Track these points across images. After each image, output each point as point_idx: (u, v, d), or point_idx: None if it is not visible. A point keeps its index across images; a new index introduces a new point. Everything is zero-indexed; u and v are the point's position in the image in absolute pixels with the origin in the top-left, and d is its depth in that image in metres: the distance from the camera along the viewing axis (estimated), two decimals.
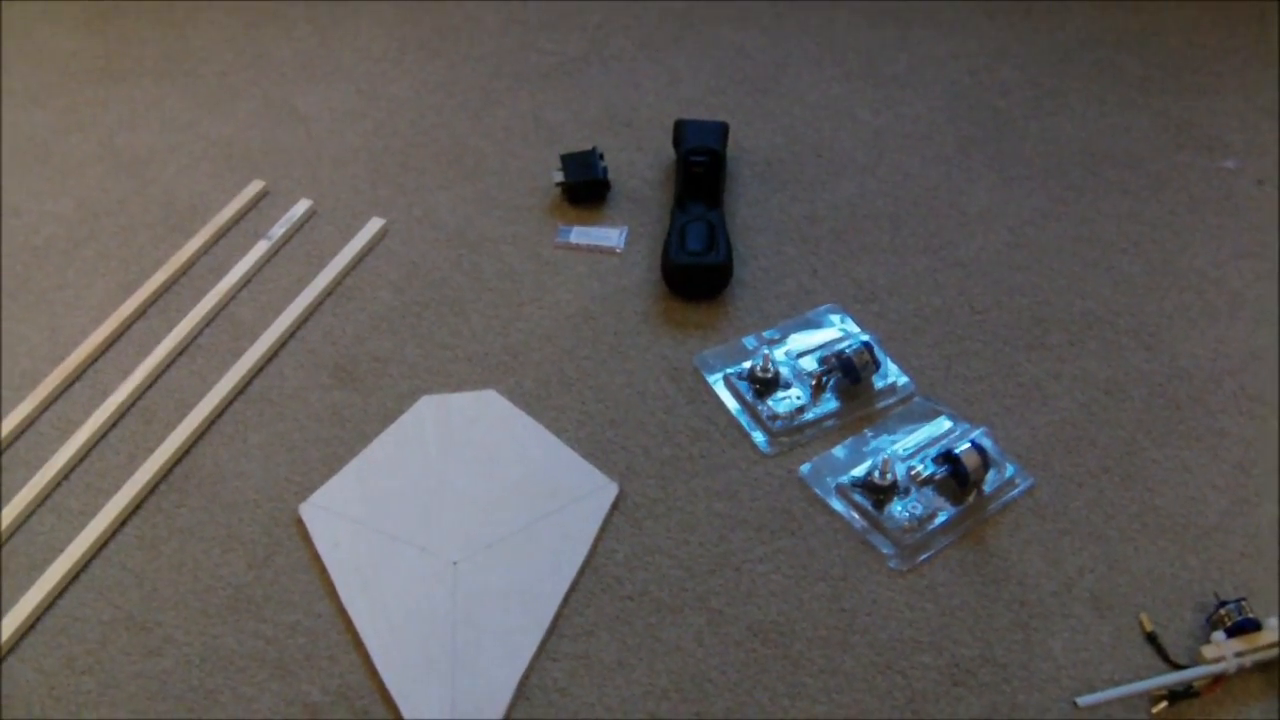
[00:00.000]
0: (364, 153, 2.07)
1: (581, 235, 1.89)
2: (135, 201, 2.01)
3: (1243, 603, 1.42)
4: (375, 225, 1.91)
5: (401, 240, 1.91)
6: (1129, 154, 2.03)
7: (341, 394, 1.70)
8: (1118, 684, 1.40)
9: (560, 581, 1.49)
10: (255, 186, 2.00)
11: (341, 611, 1.48)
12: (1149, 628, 1.44)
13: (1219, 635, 1.40)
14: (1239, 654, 1.38)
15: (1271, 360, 1.72)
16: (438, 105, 2.16)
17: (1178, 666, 1.41)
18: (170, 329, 1.78)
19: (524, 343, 1.76)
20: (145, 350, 1.76)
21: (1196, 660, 1.40)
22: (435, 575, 1.50)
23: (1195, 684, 1.38)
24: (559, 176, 1.94)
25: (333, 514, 1.56)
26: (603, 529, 1.55)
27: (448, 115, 2.14)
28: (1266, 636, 1.40)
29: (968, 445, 1.54)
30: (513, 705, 1.40)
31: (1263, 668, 1.41)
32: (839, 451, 1.61)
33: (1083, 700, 1.37)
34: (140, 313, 1.82)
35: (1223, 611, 1.42)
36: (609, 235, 1.89)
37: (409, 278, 1.85)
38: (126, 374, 1.73)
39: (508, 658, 1.43)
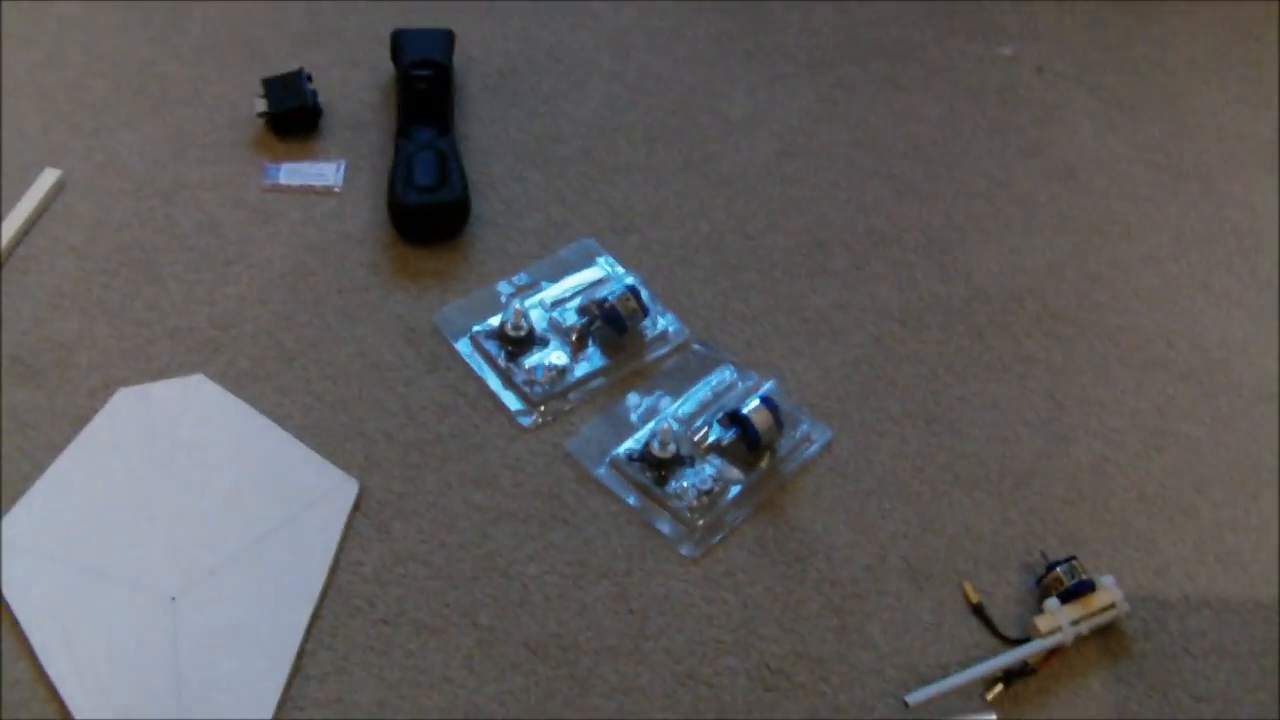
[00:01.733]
0: (29, 87, 1.76)
1: (292, 174, 1.64)
2: None
3: (1074, 563, 1.30)
4: (50, 178, 1.62)
5: (81, 194, 1.62)
6: (899, 43, 1.85)
7: (22, 393, 1.42)
8: (946, 669, 1.26)
9: (300, 610, 1.27)
10: None
11: (42, 676, 1.22)
12: (975, 598, 1.31)
13: (1052, 603, 1.28)
14: (1074, 622, 1.27)
15: (1071, 272, 1.57)
16: (115, 24, 1.86)
17: (1009, 641, 1.27)
18: None
19: (234, 311, 1.50)
20: None
21: (1029, 632, 1.28)
22: (151, 616, 1.25)
23: (1031, 660, 1.26)
24: (261, 105, 1.68)
25: (18, 550, 1.29)
26: (344, 538, 1.32)
27: (129, 36, 1.84)
28: (1102, 598, 1.28)
29: (756, 402, 1.35)
30: None
31: (1100, 632, 1.29)
32: (609, 418, 1.41)
33: (911, 698, 1.22)
34: None
35: (1053, 575, 1.29)
36: (324, 171, 1.65)
37: (93, 240, 1.57)
38: None
39: (248, 711, 1.20)
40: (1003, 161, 1.71)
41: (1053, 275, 1.58)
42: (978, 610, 1.29)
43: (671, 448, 1.35)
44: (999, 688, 1.24)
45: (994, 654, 1.25)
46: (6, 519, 1.31)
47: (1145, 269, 1.61)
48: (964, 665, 1.25)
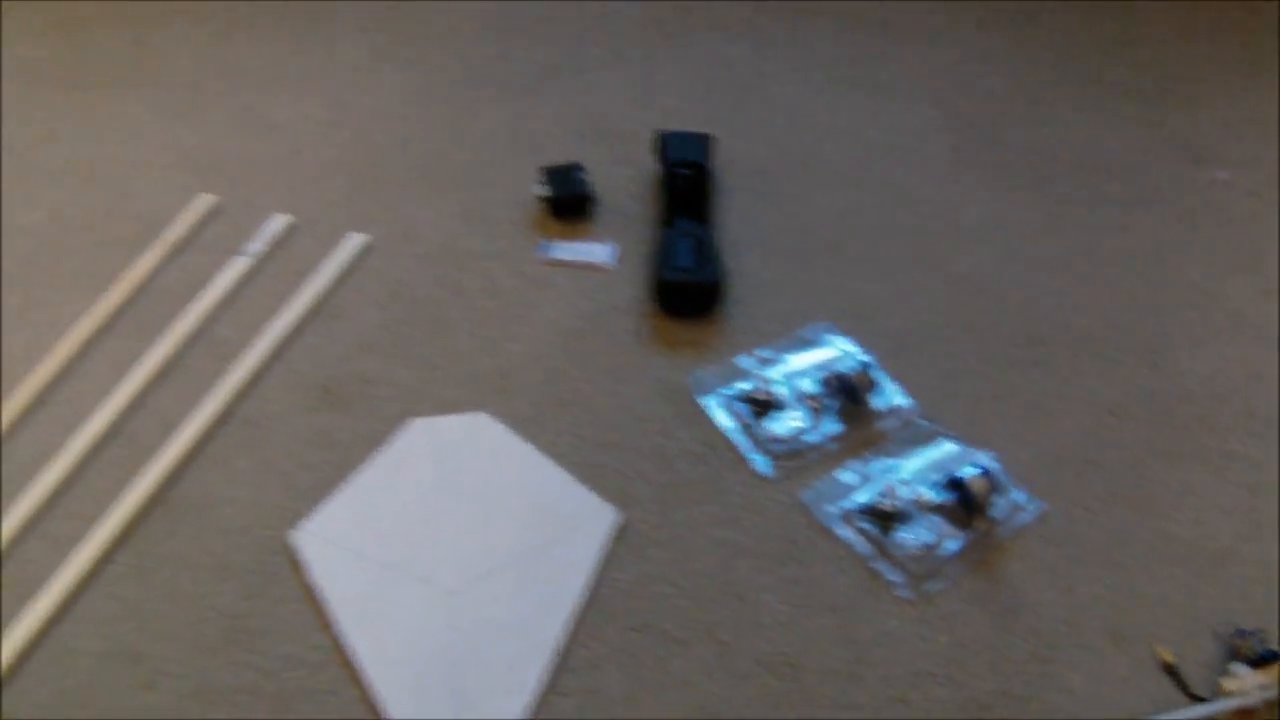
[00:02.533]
0: (341, 165, 2.02)
1: (567, 251, 1.85)
2: (108, 215, 1.95)
3: (1263, 634, 1.39)
4: (357, 241, 1.86)
5: (383, 257, 1.86)
6: (1120, 165, 2.00)
7: (329, 416, 1.65)
8: (1138, 718, 1.36)
9: (562, 612, 1.45)
10: (205, 201, 1.94)
11: (339, 644, 1.42)
12: (1168, 659, 1.41)
13: (1239, 667, 1.37)
14: (1262, 686, 1.35)
15: (1273, 380, 1.69)
16: (415, 116, 2.10)
17: (1199, 699, 1.37)
18: (148, 348, 1.72)
19: (514, 363, 1.70)
20: (124, 371, 1.70)
21: (1218, 693, 1.36)
22: (434, 606, 1.45)
23: (1218, 718, 1.35)
24: (542, 190, 1.89)
25: (325, 542, 1.51)
26: (604, 557, 1.50)
27: (425, 126, 2.08)
28: None
29: (974, 470, 1.50)
30: None
31: None
32: (842, 476, 1.57)
33: None
34: (112, 330, 1.76)
35: (1242, 642, 1.39)
36: (596, 251, 1.85)
37: (393, 295, 1.80)
38: (106, 395, 1.66)
39: (512, 692, 1.38)
40: (1213, 275, 1.83)
41: (1256, 381, 1.69)
42: (1169, 670, 1.40)
43: (897, 503, 1.51)
44: None
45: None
46: (315, 516, 1.53)
47: None
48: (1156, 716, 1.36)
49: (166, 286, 1.82)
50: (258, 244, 1.86)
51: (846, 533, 1.51)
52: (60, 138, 2.09)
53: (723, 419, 1.63)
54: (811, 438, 1.61)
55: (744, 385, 1.65)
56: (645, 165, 1.99)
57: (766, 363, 1.69)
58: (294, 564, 1.50)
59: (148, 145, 2.07)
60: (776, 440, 1.60)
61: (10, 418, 1.64)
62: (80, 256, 1.87)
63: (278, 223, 1.89)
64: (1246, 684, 1.36)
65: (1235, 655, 1.39)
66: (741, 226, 1.89)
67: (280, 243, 1.88)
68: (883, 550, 1.49)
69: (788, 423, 1.62)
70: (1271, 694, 1.35)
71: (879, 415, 1.64)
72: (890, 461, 1.58)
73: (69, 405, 1.66)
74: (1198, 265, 1.85)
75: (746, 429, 1.62)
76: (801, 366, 1.69)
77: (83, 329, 1.75)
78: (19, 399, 1.66)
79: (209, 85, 2.19)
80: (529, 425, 1.63)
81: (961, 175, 1.98)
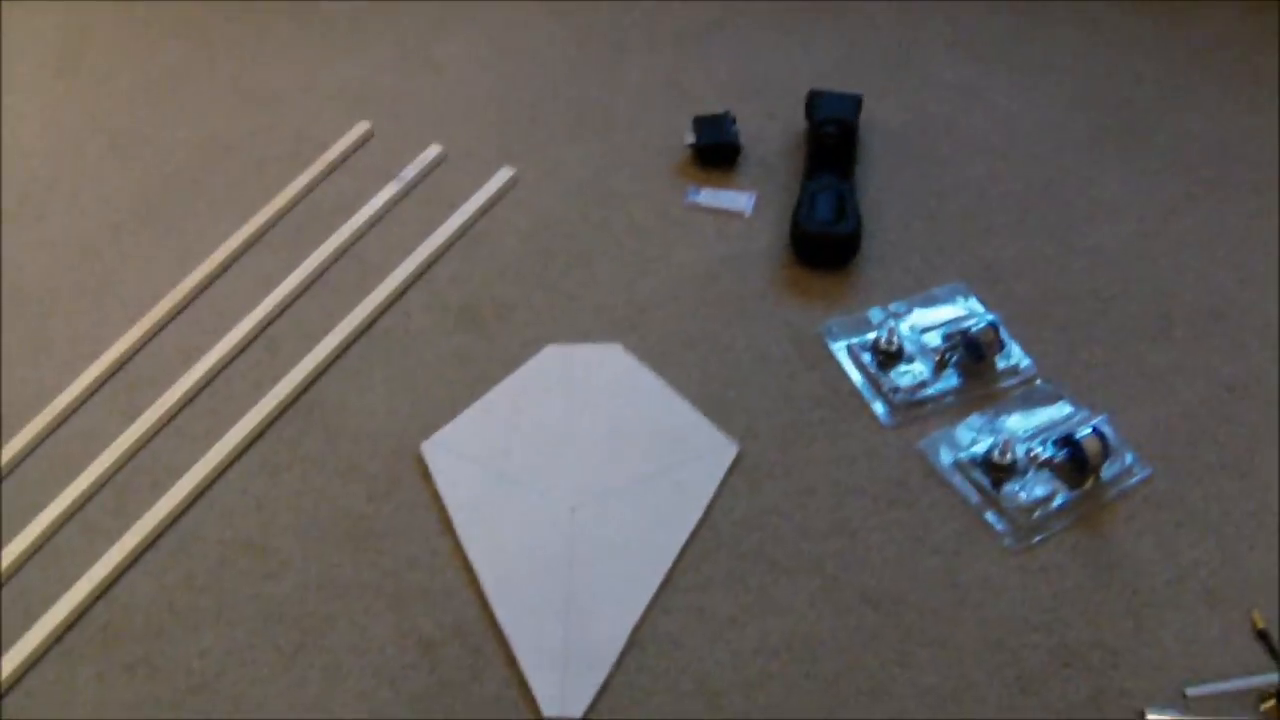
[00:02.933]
0: (495, 103, 2.09)
1: (711, 197, 1.91)
2: (265, 137, 2.04)
3: None
4: (505, 174, 1.94)
5: (530, 190, 1.93)
6: (1260, 154, 2.01)
7: (466, 337, 1.73)
8: (1227, 678, 1.40)
9: (677, 535, 1.51)
10: (361, 127, 2.03)
11: (459, 549, 1.51)
12: (1260, 624, 1.44)
13: None
14: None
15: None
16: (570, 61, 2.18)
17: None
18: (298, 262, 1.81)
19: (649, 299, 1.77)
20: (272, 282, 1.79)
21: None
22: (553, 520, 1.52)
23: None
24: (691, 138, 1.96)
25: (454, 453, 1.58)
26: (720, 487, 1.56)
27: (580, 72, 2.16)
28: None
29: (1089, 431, 1.54)
30: (625, 652, 1.42)
31: None
32: (958, 428, 1.62)
33: (1191, 690, 1.38)
34: (265, 246, 1.85)
35: None
36: (738, 199, 1.91)
37: (537, 227, 1.87)
38: (254, 303, 1.75)
39: (622, 605, 1.45)
40: None
41: None
42: (1262, 635, 1.43)
43: (1009, 457, 1.56)
44: (1272, 702, 1.37)
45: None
46: (445, 428, 1.62)
47: None
48: (1243, 678, 1.40)
49: (318, 206, 1.92)
50: (410, 170, 1.94)
51: (959, 482, 1.56)
52: (222, 62, 2.19)
53: (848, 366, 1.69)
54: (933, 390, 1.66)
55: (871, 335, 1.70)
56: (793, 122, 2.05)
57: (896, 316, 1.74)
58: (421, 472, 1.58)
59: (308, 74, 2.16)
60: (898, 390, 1.65)
61: (160, 318, 1.73)
62: (236, 173, 1.97)
63: (429, 153, 1.97)
64: None
65: None
66: (882, 186, 1.94)
67: (430, 171, 1.97)
68: (992, 501, 1.54)
69: (911, 374, 1.67)
70: None
71: (1001, 374, 1.68)
72: (1007, 418, 1.63)
73: (217, 312, 1.77)
74: None
75: (870, 377, 1.67)
76: (929, 322, 1.74)
77: (235, 241, 1.84)
78: (169, 302, 1.75)
79: (371, 21, 2.27)
80: (659, 359, 1.70)
81: (1100, 153, 2.01)
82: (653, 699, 1.39)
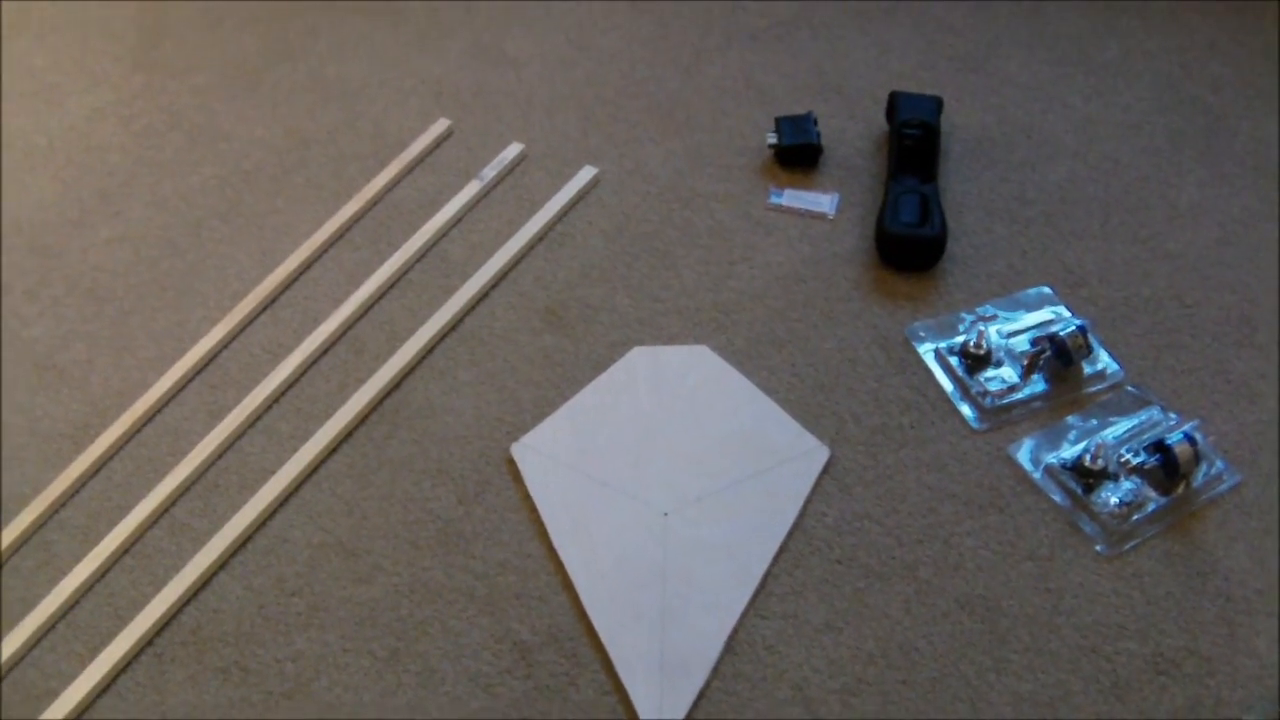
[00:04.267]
0: (574, 101, 2.10)
1: (794, 198, 1.91)
2: (344, 133, 2.05)
3: None
4: (588, 174, 1.94)
5: (613, 190, 1.94)
6: None
7: (552, 338, 1.73)
8: None
9: (770, 540, 1.52)
10: (441, 125, 2.04)
11: (551, 553, 1.52)
12: None
13: None
14: None
15: None
16: (648, 59, 2.18)
17: None
18: (380, 261, 1.82)
19: (735, 300, 1.78)
20: (356, 281, 1.80)
21: None
22: (646, 525, 1.53)
23: None
24: (773, 139, 1.96)
25: (544, 456, 1.59)
26: (812, 491, 1.57)
27: (658, 70, 2.16)
28: None
29: (1181, 437, 1.55)
30: (721, 659, 1.43)
31: None
32: (1048, 433, 1.62)
33: None
34: (347, 244, 1.86)
35: None
36: (820, 200, 1.91)
37: (620, 228, 1.88)
38: (337, 303, 1.77)
39: (716, 610, 1.46)
40: None
41: None
42: None
43: (1101, 462, 1.56)
44: None
45: None
46: (535, 430, 1.63)
47: None
48: None
49: (400, 203, 1.92)
50: (491, 169, 1.95)
51: (1050, 487, 1.57)
52: (299, 56, 2.20)
53: (936, 369, 1.69)
54: (1021, 394, 1.66)
55: (959, 339, 1.70)
56: (873, 122, 2.05)
57: (984, 320, 1.74)
58: (511, 475, 1.59)
59: (385, 68, 2.17)
60: (987, 394, 1.65)
61: (243, 317, 1.74)
62: (316, 170, 1.98)
63: (511, 151, 1.98)
64: None
65: None
66: (964, 189, 1.94)
67: (512, 170, 1.97)
68: (1084, 506, 1.55)
69: (1000, 378, 1.67)
70: None
71: (1089, 379, 1.68)
72: (1097, 423, 1.63)
73: (300, 310, 1.78)
74: None
75: (958, 381, 1.67)
76: (1017, 326, 1.74)
77: (317, 238, 1.85)
78: (253, 300, 1.76)
79: (448, 16, 2.27)
80: (746, 361, 1.71)
81: (1181, 158, 2.01)
82: (751, 705, 1.40)
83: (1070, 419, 1.64)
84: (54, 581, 1.50)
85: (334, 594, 1.49)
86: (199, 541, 1.53)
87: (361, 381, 1.69)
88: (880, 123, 2.03)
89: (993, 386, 1.66)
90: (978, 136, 2.03)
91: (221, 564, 1.52)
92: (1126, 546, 1.52)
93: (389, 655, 1.45)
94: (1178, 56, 2.18)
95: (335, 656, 1.45)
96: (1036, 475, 1.58)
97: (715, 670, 1.42)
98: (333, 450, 1.63)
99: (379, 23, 2.26)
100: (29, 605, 1.48)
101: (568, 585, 1.49)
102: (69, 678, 1.43)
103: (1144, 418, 1.64)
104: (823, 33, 2.23)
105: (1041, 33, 2.22)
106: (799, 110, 2.02)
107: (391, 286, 1.81)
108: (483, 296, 1.79)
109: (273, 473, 1.59)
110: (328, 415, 1.65)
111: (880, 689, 1.41)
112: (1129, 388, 1.67)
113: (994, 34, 2.22)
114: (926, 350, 1.71)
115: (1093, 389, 1.67)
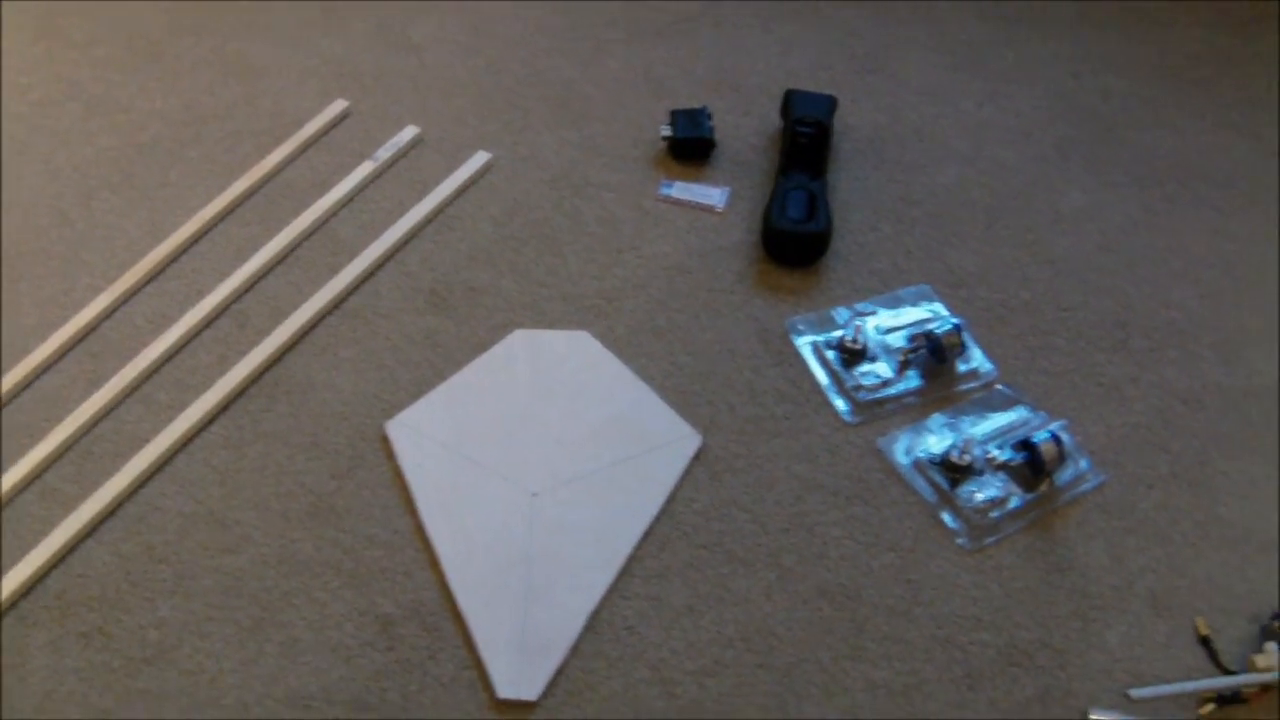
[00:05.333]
0: (473, 87, 2.11)
1: (684, 191, 1.93)
2: (242, 109, 2.05)
3: None
4: (481, 159, 1.95)
5: (505, 176, 1.95)
6: (1224, 172, 2.04)
7: (434, 319, 1.74)
8: (1169, 682, 1.43)
9: (637, 523, 1.54)
10: (338, 105, 2.04)
11: (420, 530, 1.53)
12: (1204, 631, 1.48)
13: (1272, 646, 1.44)
14: None
15: None
16: (550, 49, 2.19)
17: (1229, 672, 1.44)
18: (269, 238, 1.82)
19: (619, 289, 1.79)
20: (243, 256, 1.80)
21: (1248, 667, 1.44)
22: (514, 505, 1.54)
23: (1244, 690, 1.42)
24: (667, 131, 1.97)
25: (418, 434, 1.60)
26: (682, 477, 1.59)
27: (559, 60, 2.17)
28: None
29: (1047, 436, 1.57)
30: (581, 637, 1.44)
31: None
32: (919, 429, 1.64)
33: (1135, 693, 1.41)
34: (237, 220, 1.87)
35: (1278, 623, 1.46)
36: (711, 194, 1.93)
37: (510, 213, 1.89)
38: (223, 277, 1.77)
39: (579, 590, 1.47)
40: None
41: None
42: (1205, 642, 1.47)
43: (968, 458, 1.59)
44: (1211, 707, 1.41)
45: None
46: (410, 409, 1.64)
47: None
48: (1185, 682, 1.43)
49: (293, 182, 1.93)
50: (385, 151, 1.96)
51: (917, 481, 1.59)
52: (203, 31, 2.20)
53: (813, 363, 1.71)
54: (895, 389, 1.69)
55: (837, 334, 1.73)
56: (768, 119, 2.07)
57: (862, 315, 1.77)
58: (385, 452, 1.60)
59: (288, 47, 2.17)
60: (861, 388, 1.68)
61: (129, 287, 1.74)
62: (211, 145, 1.98)
63: (406, 133, 1.99)
64: (1275, 662, 1.42)
65: (1270, 636, 1.46)
66: (853, 187, 1.97)
67: (406, 153, 1.98)
68: (949, 500, 1.57)
69: (874, 373, 1.70)
70: None
71: (962, 377, 1.71)
72: (966, 420, 1.66)
73: (186, 283, 1.78)
74: None
75: (834, 375, 1.70)
76: (894, 323, 1.76)
77: (207, 213, 1.86)
78: (139, 271, 1.76)
79: None
80: (626, 348, 1.72)
81: (1068, 164, 2.04)
82: (607, 684, 1.41)
83: (941, 415, 1.66)
84: None
85: (201, 563, 1.50)
86: (69, 507, 1.53)
87: (243, 355, 1.69)
88: (775, 120, 2.06)
89: (867, 381, 1.68)
90: (870, 137, 2.05)
91: (90, 530, 1.52)
92: (988, 541, 1.54)
93: (252, 625, 1.45)
94: (1070, 66, 2.21)
95: (199, 625, 1.45)
96: (904, 469, 1.60)
97: (575, 649, 1.44)
98: (209, 421, 1.63)
99: (285, 3, 2.26)
100: None
101: (434, 562, 1.50)
102: None
103: (1013, 416, 1.66)
104: (725, 30, 2.25)
105: (940, 38, 2.25)
106: (695, 104, 2.03)
107: (279, 263, 1.81)
108: (368, 276, 1.80)
109: (148, 441, 1.59)
110: (207, 387, 1.65)
111: (737, 671, 1.43)
112: (1001, 387, 1.70)
113: (893, 37, 2.25)
114: (804, 344, 1.73)
115: (965, 387, 1.70)
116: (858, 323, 1.72)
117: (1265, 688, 1.43)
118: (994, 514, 1.56)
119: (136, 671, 1.42)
